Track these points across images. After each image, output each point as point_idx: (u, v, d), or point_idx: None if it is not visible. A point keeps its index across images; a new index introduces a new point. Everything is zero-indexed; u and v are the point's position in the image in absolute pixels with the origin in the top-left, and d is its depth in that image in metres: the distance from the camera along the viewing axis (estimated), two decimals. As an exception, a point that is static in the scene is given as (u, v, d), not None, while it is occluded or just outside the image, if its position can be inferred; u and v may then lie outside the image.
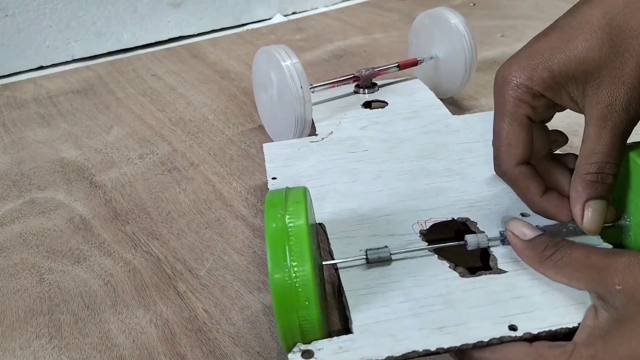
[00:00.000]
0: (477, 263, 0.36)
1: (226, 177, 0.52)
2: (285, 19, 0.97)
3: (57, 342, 0.36)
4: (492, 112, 0.45)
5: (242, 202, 0.48)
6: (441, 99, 0.53)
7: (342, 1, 1.03)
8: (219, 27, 0.93)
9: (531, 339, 0.28)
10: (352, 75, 0.55)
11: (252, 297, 0.38)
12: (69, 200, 0.50)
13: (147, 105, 0.67)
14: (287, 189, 0.31)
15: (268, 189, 0.41)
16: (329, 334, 0.28)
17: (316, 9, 1.01)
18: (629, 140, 0.31)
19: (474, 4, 0.91)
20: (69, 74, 0.78)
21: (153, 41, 0.89)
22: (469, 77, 0.55)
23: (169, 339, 0.35)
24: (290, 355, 0.27)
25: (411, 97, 0.53)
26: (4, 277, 0.41)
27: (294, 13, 1.00)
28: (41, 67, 0.82)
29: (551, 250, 0.29)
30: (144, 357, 0.34)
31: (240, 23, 0.95)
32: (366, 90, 0.56)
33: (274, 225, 0.28)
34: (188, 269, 0.41)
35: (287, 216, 0.28)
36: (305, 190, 0.31)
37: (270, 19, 0.97)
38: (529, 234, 0.31)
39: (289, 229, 0.28)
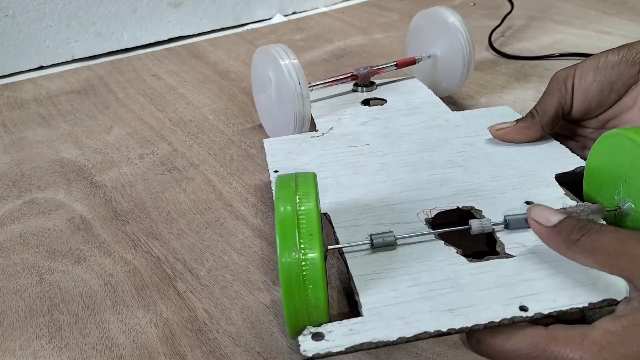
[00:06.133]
0: (483, 249, 0.36)
1: (226, 177, 0.51)
2: (285, 19, 0.97)
3: (57, 342, 0.36)
4: (491, 109, 0.46)
5: (242, 202, 0.48)
6: (440, 98, 0.53)
7: (342, 1, 1.03)
8: (219, 27, 0.93)
9: (543, 320, 0.28)
10: (350, 74, 0.55)
11: (252, 297, 0.38)
12: (69, 200, 0.50)
13: (147, 105, 0.67)
14: (297, 174, 0.31)
15: (270, 181, 0.41)
16: (330, 320, 0.28)
17: (316, 9, 1.01)
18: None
19: (474, 4, 0.91)
20: (69, 74, 0.78)
21: (153, 41, 0.89)
22: (467, 74, 0.55)
23: (169, 339, 0.35)
24: (300, 338, 0.27)
25: (410, 95, 0.54)
26: (4, 277, 0.41)
27: (294, 13, 1.00)
28: (41, 67, 0.82)
29: (578, 234, 0.28)
30: (144, 357, 0.34)
31: (241, 23, 0.95)
32: (364, 88, 0.56)
33: (284, 208, 0.28)
34: (188, 269, 0.41)
35: (298, 199, 0.28)
36: (314, 175, 0.30)
37: (270, 19, 0.97)
38: (553, 219, 0.29)
39: (299, 212, 0.28)
